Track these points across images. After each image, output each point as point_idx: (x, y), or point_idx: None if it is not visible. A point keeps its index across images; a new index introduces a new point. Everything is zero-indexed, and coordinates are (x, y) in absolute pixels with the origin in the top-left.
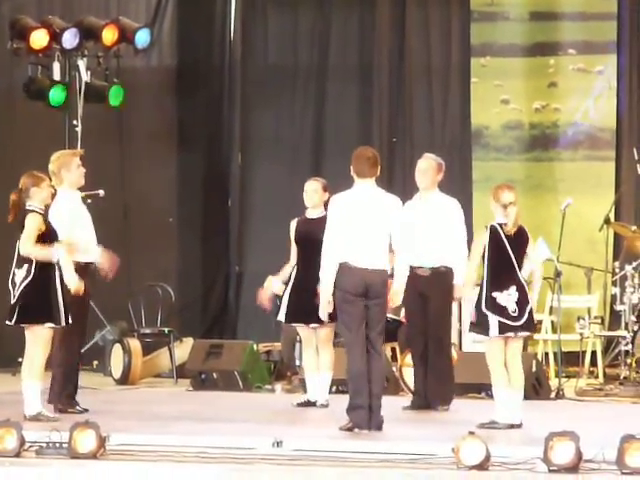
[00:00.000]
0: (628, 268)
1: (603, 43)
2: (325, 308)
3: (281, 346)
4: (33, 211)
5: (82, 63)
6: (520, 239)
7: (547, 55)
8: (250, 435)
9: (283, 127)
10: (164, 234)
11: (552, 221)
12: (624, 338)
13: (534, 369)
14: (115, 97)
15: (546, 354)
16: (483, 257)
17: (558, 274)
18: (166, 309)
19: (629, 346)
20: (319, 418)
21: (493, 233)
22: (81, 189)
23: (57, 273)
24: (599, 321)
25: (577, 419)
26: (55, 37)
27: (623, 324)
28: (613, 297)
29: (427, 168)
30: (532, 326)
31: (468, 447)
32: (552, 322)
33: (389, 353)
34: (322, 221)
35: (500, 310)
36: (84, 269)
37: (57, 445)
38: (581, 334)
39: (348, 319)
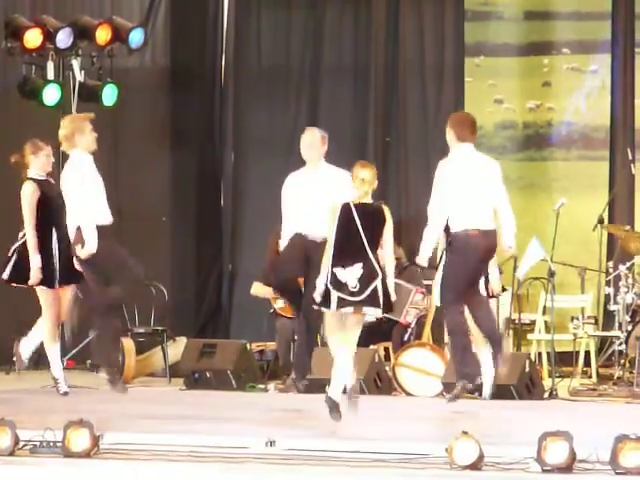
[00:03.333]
0: (622, 268)
1: (597, 42)
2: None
3: (276, 346)
4: (29, 179)
5: (76, 63)
6: (374, 218)
7: (541, 54)
8: (243, 434)
9: (276, 127)
10: (157, 233)
11: (546, 221)
12: (618, 338)
13: (527, 369)
14: (109, 97)
15: (539, 354)
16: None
17: (552, 274)
18: (159, 308)
19: (623, 346)
20: (312, 417)
21: (344, 209)
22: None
23: (54, 235)
24: (593, 321)
25: (571, 419)
26: (49, 36)
27: (617, 324)
28: (607, 297)
29: (312, 140)
30: (375, 303)
31: (461, 447)
32: (545, 322)
33: (382, 353)
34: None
35: (339, 286)
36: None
37: (51, 444)
38: (574, 334)
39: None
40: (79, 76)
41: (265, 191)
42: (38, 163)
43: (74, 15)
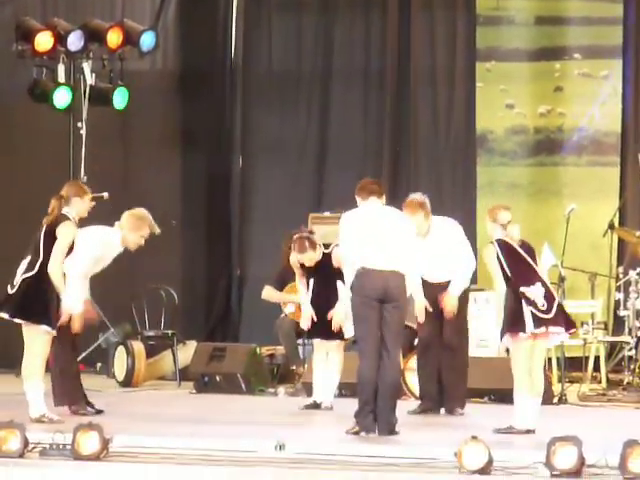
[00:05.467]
0: (632, 274)
1: (608, 48)
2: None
3: (281, 340)
4: (69, 219)
5: (87, 66)
6: (529, 251)
7: (552, 60)
8: (253, 438)
9: (286, 131)
10: (167, 237)
11: (556, 226)
12: (627, 344)
13: None
14: (119, 100)
15: (549, 359)
16: (502, 267)
17: (562, 279)
18: (169, 312)
19: (632, 351)
20: (322, 421)
21: (501, 243)
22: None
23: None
24: (602, 326)
25: (580, 424)
26: (60, 39)
27: (627, 329)
28: (617, 302)
29: (418, 222)
30: (565, 321)
31: (470, 451)
32: None
33: None
34: (324, 259)
35: (531, 303)
36: None
37: (60, 446)
38: (584, 339)
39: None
40: (90, 79)
41: (274, 196)
42: (82, 207)
43: (85, 18)
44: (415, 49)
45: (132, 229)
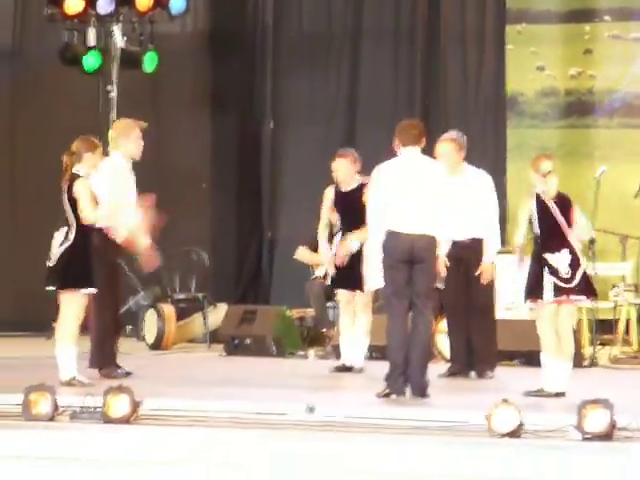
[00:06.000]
0: None
1: (639, 10)
2: (372, 277)
3: (311, 303)
4: (80, 176)
5: (117, 29)
6: (564, 205)
7: (582, 22)
8: (282, 401)
9: (317, 91)
10: (198, 199)
11: (587, 188)
12: None
13: None
14: (150, 63)
15: (579, 321)
16: (531, 223)
17: (592, 241)
18: (200, 274)
19: None
20: (352, 385)
21: (538, 199)
22: None
23: (92, 238)
24: (633, 289)
25: (611, 387)
26: (90, 3)
27: None
28: None
29: (447, 152)
30: (587, 290)
31: (501, 415)
32: None
33: None
34: (358, 190)
35: (552, 271)
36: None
37: (91, 410)
38: (615, 302)
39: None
40: (120, 42)
41: (304, 157)
42: (93, 161)
43: None
44: (445, 9)
45: (124, 138)
